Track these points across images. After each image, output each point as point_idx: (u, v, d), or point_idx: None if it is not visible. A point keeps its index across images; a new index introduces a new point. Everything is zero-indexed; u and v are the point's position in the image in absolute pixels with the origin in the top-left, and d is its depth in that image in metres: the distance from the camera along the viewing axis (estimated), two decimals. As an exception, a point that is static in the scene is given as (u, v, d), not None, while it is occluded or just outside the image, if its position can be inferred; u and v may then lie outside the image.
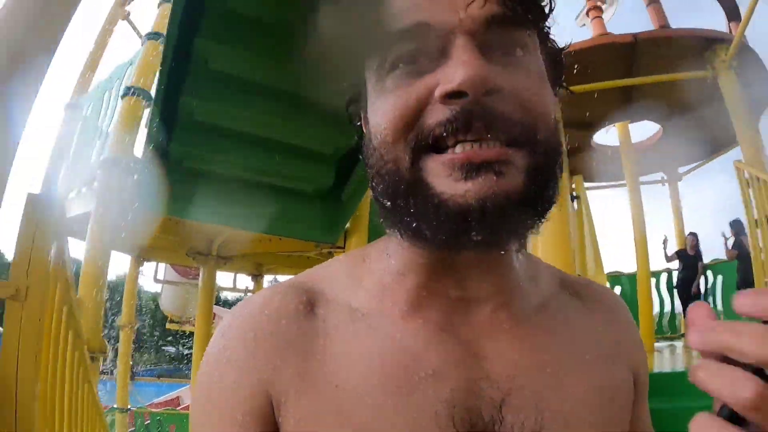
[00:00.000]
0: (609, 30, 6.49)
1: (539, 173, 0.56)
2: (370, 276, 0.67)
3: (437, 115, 0.55)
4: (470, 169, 0.53)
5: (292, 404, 0.59)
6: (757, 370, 0.38)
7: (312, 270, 0.72)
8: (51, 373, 1.61)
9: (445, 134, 0.54)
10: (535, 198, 0.55)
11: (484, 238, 0.54)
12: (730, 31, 6.38)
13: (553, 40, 0.68)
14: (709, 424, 0.41)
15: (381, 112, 0.59)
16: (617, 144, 6.85)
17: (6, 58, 1.35)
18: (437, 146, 0.55)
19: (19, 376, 1.36)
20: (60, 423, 1.65)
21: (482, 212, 0.52)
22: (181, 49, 2.39)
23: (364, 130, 0.65)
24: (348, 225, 3.59)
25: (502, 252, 0.61)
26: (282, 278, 6.71)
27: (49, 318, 1.57)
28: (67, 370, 1.74)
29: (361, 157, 0.65)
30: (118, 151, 2.80)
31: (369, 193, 3.54)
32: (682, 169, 8.50)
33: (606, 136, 7.21)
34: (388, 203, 0.59)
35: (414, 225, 0.56)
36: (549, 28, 0.66)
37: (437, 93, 0.54)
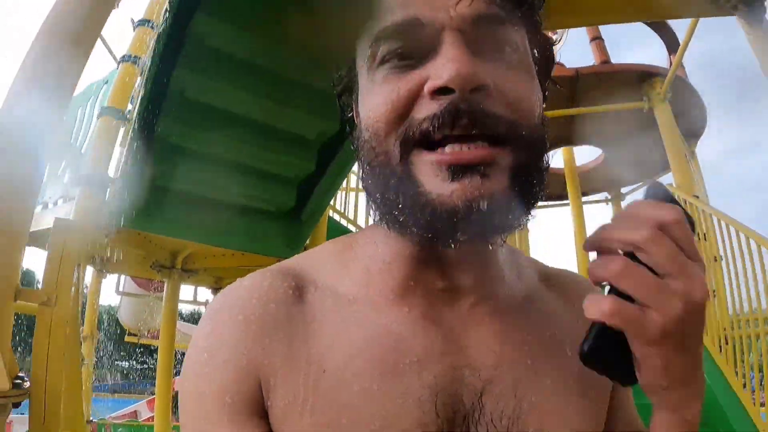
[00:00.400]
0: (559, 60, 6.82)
1: (523, 171, 0.57)
2: (357, 263, 0.68)
3: (425, 109, 0.55)
4: (456, 170, 0.53)
5: (280, 387, 0.59)
6: (629, 255, 0.50)
7: (300, 256, 0.72)
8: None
9: (431, 129, 0.54)
10: (519, 196, 0.56)
11: (469, 237, 0.54)
12: (671, 63, 6.78)
13: (544, 35, 0.68)
14: (598, 298, 0.50)
15: (372, 105, 0.59)
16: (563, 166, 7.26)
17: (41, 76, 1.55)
18: (426, 142, 0.55)
19: (49, 372, 1.58)
20: (68, 419, 1.85)
21: (468, 213, 0.53)
22: (160, 78, 2.61)
23: (356, 121, 0.66)
24: (307, 242, 3.78)
25: (489, 246, 0.62)
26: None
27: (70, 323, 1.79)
28: (73, 371, 1.95)
29: (353, 143, 0.66)
30: (95, 169, 2.98)
31: (327, 212, 3.83)
32: (625, 190, 8.92)
33: (552, 159, 7.54)
34: (377, 195, 0.59)
35: (401, 220, 0.57)
36: (539, 23, 0.66)
37: (426, 89, 0.55)
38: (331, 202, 4.37)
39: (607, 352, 0.53)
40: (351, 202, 5.51)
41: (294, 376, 0.59)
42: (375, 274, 0.66)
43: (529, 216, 0.59)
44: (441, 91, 0.54)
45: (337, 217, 5.09)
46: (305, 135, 3.13)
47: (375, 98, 0.59)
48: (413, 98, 0.56)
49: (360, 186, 5.52)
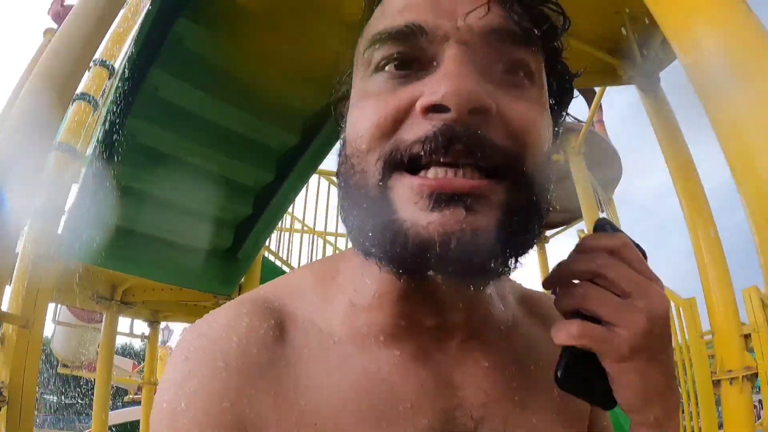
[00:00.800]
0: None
1: (517, 211, 0.50)
2: (342, 296, 0.62)
3: (416, 130, 0.49)
4: (439, 199, 0.47)
5: None
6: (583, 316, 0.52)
7: (277, 283, 0.66)
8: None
9: (421, 153, 0.48)
10: (508, 239, 0.49)
11: (444, 277, 0.50)
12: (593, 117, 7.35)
13: (564, 64, 0.62)
14: (565, 323, 0.52)
15: (358, 118, 0.54)
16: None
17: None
18: (411, 165, 0.50)
19: (25, 384, 1.88)
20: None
21: (445, 249, 0.46)
22: (115, 123, 2.85)
23: (343, 133, 0.60)
24: (242, 280, 4.01)
25: (470, 287, 0.57)
26: (177, 325, 6.72)
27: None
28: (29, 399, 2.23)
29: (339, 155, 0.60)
30: (45, 202, 3.11)
31: (262, 252, 4.09)
32: (549, 233, 9.45)
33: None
34: (351, 219, 0.54)
35: (373, 250, 0.51)
36: (560, 49, 0.60)
37: (418, 105, 0.49)
38: (267, 243, 4.65)
39: (582, 375, 0.54)
40: (285, 242, 5.81)
41: (284, 429, 0.54)
42: (362, 310, 0.60)
43: (518, 261, 0.52)
44: (435, 109, 0.48)
45: (271, 257, 5.33)
46: (244, 182, 3.43)
47: (362, 111, 0.54)
48: (402, 115, 0.51)
49: (293, 227, 5.87)
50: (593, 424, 0.71)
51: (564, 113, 0.65)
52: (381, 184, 0.51)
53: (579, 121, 6.91)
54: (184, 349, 0.57)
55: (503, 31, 0.52)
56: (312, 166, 3.55)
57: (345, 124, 0.60)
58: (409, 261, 0.48)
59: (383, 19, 0.55)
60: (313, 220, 5.88)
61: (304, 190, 4.94)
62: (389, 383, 0.57)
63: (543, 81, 0.57)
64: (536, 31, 0.54)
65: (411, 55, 0.52)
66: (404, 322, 0.59)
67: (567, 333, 0.51)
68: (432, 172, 0.49)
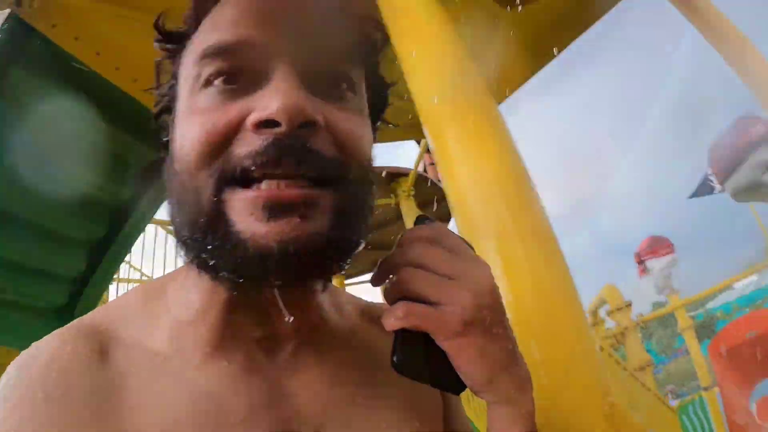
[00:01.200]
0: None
1: (345, 215, 0.53)
2: (167, 314, 0.61)
3: (247, 145, 0.50)
4: (274, 209, 0.49)
5: None
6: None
7: (104, 308, 0.64)
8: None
9: (253, 167, 0.49)
10: (339, 240, 0.52)
11: (285, 281, 0.50)
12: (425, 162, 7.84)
13: (380, 76, 0.65)
14: (391, 308, 0.54)
15: (187, 134, 0.53)
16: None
17: None
18: (244, 179, 0.50)
19: None
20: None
21: (284, 255, 0.48)
22: None
23: (170, 147, 0.59)
24: None
25: (305, 290, 0.58)
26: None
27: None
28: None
29: (164, 172, 0.60)
30: None
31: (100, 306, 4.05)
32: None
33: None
34: (185, 235, 0.53)
35: (212, 263, 0.51)
36: (377, 64, 0.63)
37: (249, 120, 0.50)
38: (105, 296, 4.57)
39: (419, 358, 0.54)
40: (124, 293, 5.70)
41: None
42: (187, 325, 0.60)
43: (349, 260, 0.54)
44: (266, 124, 0.50)
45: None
46: (76, 236, 3.41)
47: (191, 128, 0.53)
48: (233, 131, 0.51)
49: (130, 276, 5.80)
50: (449, 422, 0.72)
51: (378, 121, 0.67)
52: (215, 199, 0.51)
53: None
54: (6, 385, 0.55)
55: (329, 48, 0.55)
56: (146, 218, 3.56)
57: (171, 138, 0.60)
58: (251, 269, 0.49)
59: (213, 34, 0.55)
60: (151, 268, 5.90)
61: (140, 238, 4.89)
62: (219, 397, 0.56)
63: (363, 91, 0.60)
64: (359, 48, 0.58)
65: (240, 70, 0.53)
66: (229, 333, 0.59)
67: (394, 316, 0.53)
68: (265, 185, 0.50)
